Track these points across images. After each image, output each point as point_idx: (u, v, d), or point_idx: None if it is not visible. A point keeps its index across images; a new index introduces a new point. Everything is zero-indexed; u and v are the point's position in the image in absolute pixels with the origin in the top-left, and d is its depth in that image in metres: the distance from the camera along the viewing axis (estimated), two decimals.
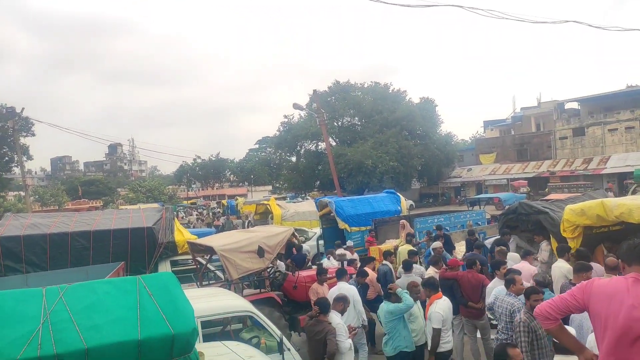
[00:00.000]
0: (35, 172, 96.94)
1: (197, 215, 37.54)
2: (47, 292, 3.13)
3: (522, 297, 5.58)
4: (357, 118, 48.69)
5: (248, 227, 22.23)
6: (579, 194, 16.57)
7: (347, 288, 7.60)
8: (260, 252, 7.86)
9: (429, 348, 6.21)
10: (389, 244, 12.90)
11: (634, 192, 23.37)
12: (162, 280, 3.36)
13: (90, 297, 3.11)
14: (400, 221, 13.88)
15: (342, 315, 5.92)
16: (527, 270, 7.43)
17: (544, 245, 10.12)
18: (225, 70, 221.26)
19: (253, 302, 7.30)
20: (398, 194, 17.91)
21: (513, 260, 8.49)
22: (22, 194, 44.06)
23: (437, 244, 10.36)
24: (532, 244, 11.06)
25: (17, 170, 51.08)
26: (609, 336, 2.86)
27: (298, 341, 9.07)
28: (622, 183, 32.52)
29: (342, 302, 5.91)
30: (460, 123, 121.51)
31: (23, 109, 34.29)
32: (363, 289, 8.30)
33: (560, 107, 45.69)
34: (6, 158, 51.54)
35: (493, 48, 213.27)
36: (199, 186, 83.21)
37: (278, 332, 5.32)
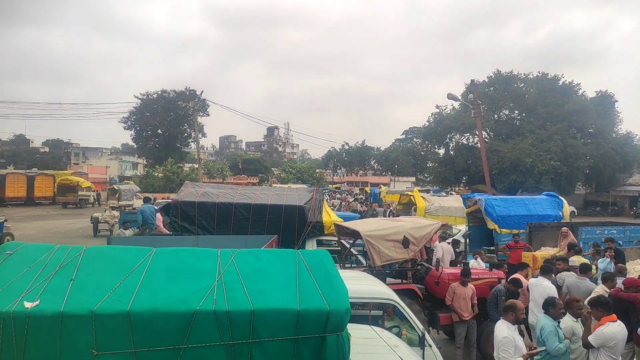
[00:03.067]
0: (207, 148, 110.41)
1: (339, 198, 38.90)
2: (222, 253, 3.50)
3: None
4: (517, 112, 45.02)
5: (389, 216, 22.25)
6: None
7: (546, 286, 7.24)
8: (406, 242, 7.77)
9: None
10: (544, 252, 11.73)
11: None
12: (319, 257, 3.51)
13: (256, 263, 3.39)
14: (562, 228, 12.52)
15: (515, 326, 5.14)
16: None
17: None
18: (382, 58, 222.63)
19: (394, 291, 7.30)
20: (561, 197, 16.13)
21: None
22: (195, 166, 50.55)
23: None
24: None
25: (193, 145, 58.91)
26: None
27: (437, 338, 8.82)
28: None
29: (511, 313, 5.12)
30: None
31: (202, 91, 39.38)
32: (513, 297, 7.68)
33: None
34: (185, 134, 59.84)
35: None
36: (344, 172, 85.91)
37: (420, 326, 5.20)
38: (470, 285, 7.98)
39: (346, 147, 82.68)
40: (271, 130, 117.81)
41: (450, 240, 14.96)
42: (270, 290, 3.11)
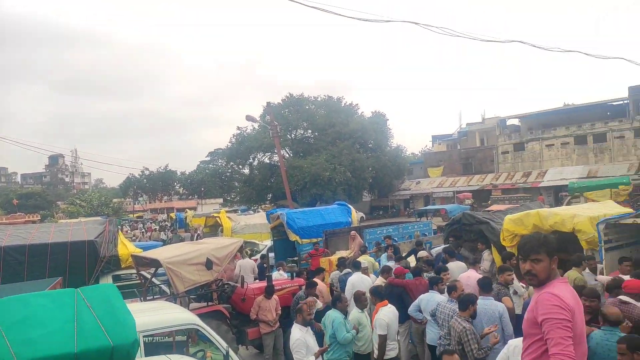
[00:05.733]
0: None
1: (141, 228, 36.29)
2: None
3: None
4: (310, 131, 49.14)
5: (196, 240, 21.76)
6: (517, 205, 17.51)
7: (361, 279, 8.17)
8: (209, 264, 7.73)
9: (375, 356, 6.31)
10: (338, 255, 13.03)
11: (568, 204, 24.90)
12: (102, 291, 3.27)
13: (22, 310, 2.98)
14: (351, 232, 14.07)
15: (307, 327, 5.61)
16: (474, 278, 7.69)
17: (485, 254, 10.57)
18: (177, 83, 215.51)
19: (200, 315, 7.18)
20: (349, 205, 18.16)
21: (460, 268, 8.82)
22: None
23: (423, 253, 10.33)
24: (475, 253, 11.55)
25: None
26: None
27: (246, 355, 8.97)
28: (558, 195, 34.55)
29: (299, 314, 5.61)
30: (410, 137, 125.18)
31: None
32: None
33: (502, 123, 48.12)
34: None
35: (442, 65, 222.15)
36: (146, 199, 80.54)
37: (224, 344, 5.24)
38: (275, 297, 8.38)
39: (147, 172, 77.79)
40: (54, 159, 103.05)
41: (257, 256, 15.51)
42: (41, 337, 2.77)
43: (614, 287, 5.74)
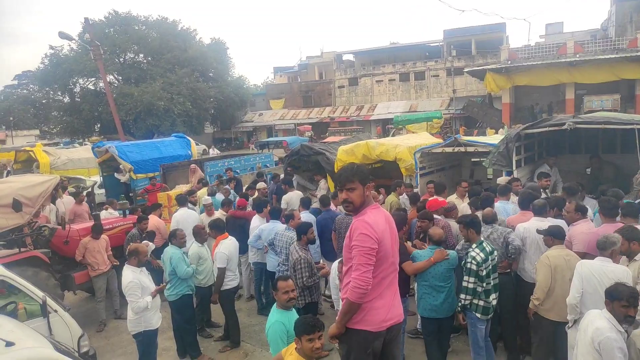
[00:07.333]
0: None
1: None
2: None
3: None
4: (142, 55, 44.53)
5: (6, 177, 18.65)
6: (350, 137, 18.84)
7: (187, 214, 8.11)
8: (17, 205, 6.67)
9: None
10: (178, 190, 12.52)
11: (393, 135, 27.73)
12: None
13: None
14: (191, 165, 13.58)
15: (140, 268, 5.30)
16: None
17: (322, 183, 11.27)
18: None
19: (11, 263, 6.27)
20: (188, 137, 17.35)
21: (297, 196, 9.22)
22: None
23: (262, 184, 10.43)
24: (312, 182, 12.23)
25: None
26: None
27: (74, 300, 8.29)
28: (385, 127, 38.14)
29: (134, 257, 5.25)
30: (252, 69, 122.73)
31: None
32: (149, 236, 7.90)
33: (339, 59, 50.13)
34: None
35: None
36: None
37: (40, 293, 4.65)
38: (104, 237, 7.73)
39: None
40: None
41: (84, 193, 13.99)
42: None
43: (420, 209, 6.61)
